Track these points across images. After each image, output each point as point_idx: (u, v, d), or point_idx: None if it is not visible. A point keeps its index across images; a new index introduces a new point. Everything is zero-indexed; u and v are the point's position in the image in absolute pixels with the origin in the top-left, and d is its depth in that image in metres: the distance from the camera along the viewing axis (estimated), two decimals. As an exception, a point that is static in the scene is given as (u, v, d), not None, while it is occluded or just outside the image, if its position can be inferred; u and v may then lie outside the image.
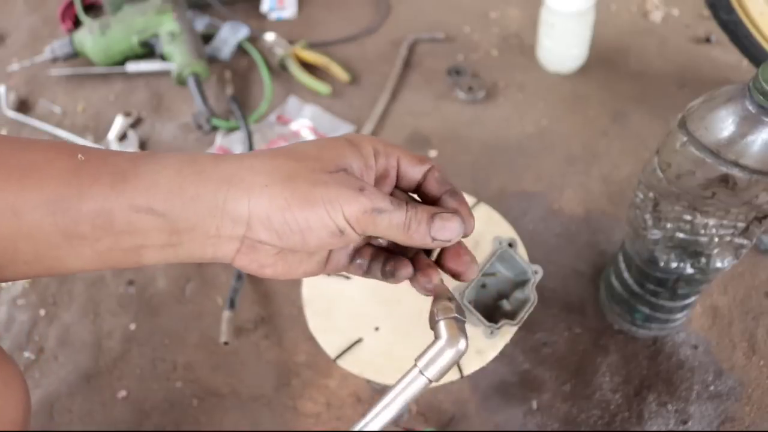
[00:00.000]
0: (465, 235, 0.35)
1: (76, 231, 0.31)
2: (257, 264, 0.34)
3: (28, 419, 0.38)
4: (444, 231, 0.34)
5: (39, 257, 0.32)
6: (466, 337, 0.34)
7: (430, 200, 0.37)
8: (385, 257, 0.38)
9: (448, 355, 0.33)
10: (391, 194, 0.37)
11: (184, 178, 0.32)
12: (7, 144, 0.32)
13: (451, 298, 0.36)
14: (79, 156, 0.32)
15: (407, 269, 0.37)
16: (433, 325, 0.35)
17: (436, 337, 0.34)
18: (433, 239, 0.34)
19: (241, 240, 0.33)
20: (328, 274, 0.40)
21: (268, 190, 0.31)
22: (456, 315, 0.35)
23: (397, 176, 0.37)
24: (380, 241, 0.40)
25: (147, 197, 0.31)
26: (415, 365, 0.34)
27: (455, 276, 0.37)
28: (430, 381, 0.34)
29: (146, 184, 0.31)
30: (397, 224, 0.33)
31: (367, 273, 0.39)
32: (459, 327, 0.34)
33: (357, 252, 0.39)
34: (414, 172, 0.36)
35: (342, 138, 0.35)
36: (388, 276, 0.38)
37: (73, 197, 0.31)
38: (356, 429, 0.35)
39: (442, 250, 0.37)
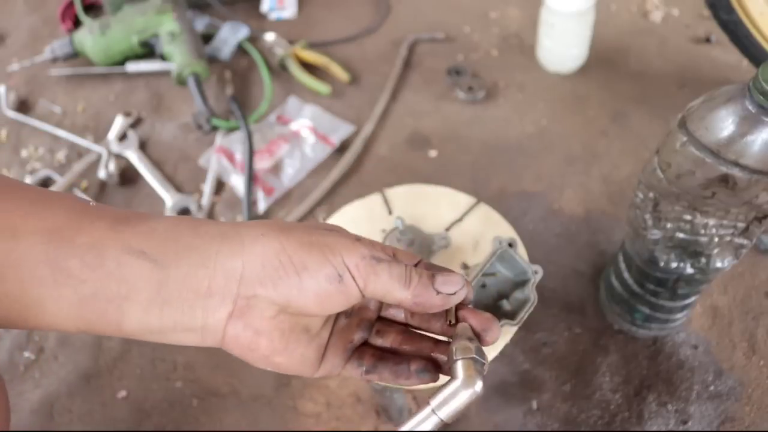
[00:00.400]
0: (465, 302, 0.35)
1: (65, 265, 0.30)
2: (252, 330, 0.32)
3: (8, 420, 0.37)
4: (447, 284, 0.34)
5: (21, 292, 0.30)
6: (483, 379, 0.33)
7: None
8: (393, 361, 0.36)
9: (463, 396, 0.33)
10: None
11: (180, 230, 0.32)
12: (25, 186, 0.33)
13: (471, 339, 0.35)
14: (91, 202, 0.33)
15: (420, 364, 0.36)
16: (451, 364, 0.34)
17: (453, 377, 0.33)
18: (438, 292, 0.33)
19: (233, 300, 0.31)
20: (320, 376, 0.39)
21: (263, 239, 0.32)
22: (475, 356, 0.34)
23: None
24: (393, 313, 0.38)
25: (141, 240, 0.31)
26: (428, 404, 0.33)
27: (477, 336, 0.36)
28: (442, 421, 0.33)
29: (144, 229, 0.31)
30: (398, 276, 0.32)
31: (370, 374, 0.37)
32: (476, 369, 0.33)
33: (358, 354, 0.37)
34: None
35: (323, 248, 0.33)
36: (401, 376, 0.37)
37: (72, 230, 0.31)
38: None
39: (459, 312, 0.36)
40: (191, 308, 0.31)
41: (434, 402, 0.33)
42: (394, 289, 0.33)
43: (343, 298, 0.32)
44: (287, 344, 0.33)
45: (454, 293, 0.34)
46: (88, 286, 0.30)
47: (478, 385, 0.33)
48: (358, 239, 0.33)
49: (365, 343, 0.37)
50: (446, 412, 0.33)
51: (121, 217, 0.32)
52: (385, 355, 0.37)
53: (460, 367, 0.33)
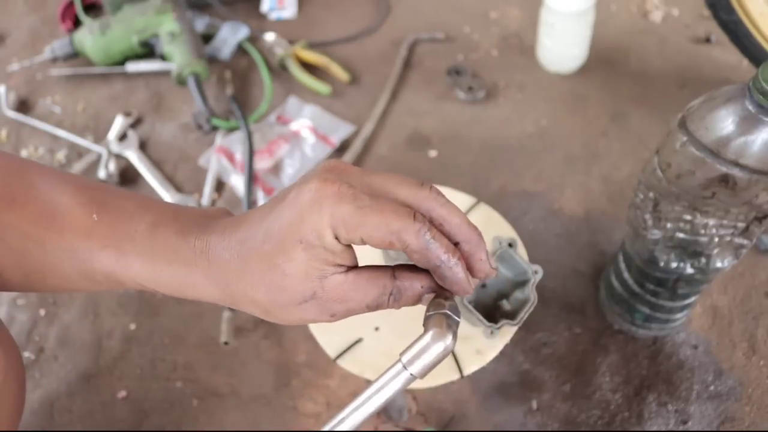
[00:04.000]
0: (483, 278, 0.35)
1: (93, 278, 0.38)
2: (246, 298, 0.37)
3: (23, 392, 0.40)
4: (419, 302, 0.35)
5: (63, 282, 0.38)
6: (455, 335, 0.32)
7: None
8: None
9: (434, 350, 0.32)
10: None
11: (183, 286, 0.36)
12: (27, 177, 0.38)
13: (447, 297, 0.34)
14: (94, 216, 0.37)
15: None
16: (425, 320, 0.33)
17: (425, 331, 0.32)
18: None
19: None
20: None
21: (255, 315, 0.36)
22: (447, 311, 0.33)
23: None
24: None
25: (149, 281, 0.37)
26: (399, 360, 0.32)
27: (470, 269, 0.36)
28: (414, 377, 0.32)
29: (147, 272, 0.36)
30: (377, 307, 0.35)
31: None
32: (448, 323, 0.32)
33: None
34: (388, 248, 0.32)
35: (296, 241, 0.32)
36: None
37: (86, 253, 0.37)
38: (333, 423, 0.34)
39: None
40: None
41: (405, 357, 0.32)
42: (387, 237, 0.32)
43: (337, 259, 0.33)
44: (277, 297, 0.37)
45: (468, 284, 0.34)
46: (119, 289, 0.41)
47: (449, 339, 0.32)
48: (332, 315, 0.34)
49: None
50: (417, 367, 0.32)
51: (122, 253, 0.37)
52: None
53: (431, 321, 0.32)
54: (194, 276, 0.36)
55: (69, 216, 0.37)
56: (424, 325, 0.33)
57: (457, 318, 0.33)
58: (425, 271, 0.34)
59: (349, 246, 0.33)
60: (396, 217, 0.31)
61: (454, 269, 0.32)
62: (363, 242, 0.31)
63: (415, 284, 0.34)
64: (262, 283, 0.33)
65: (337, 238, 0.31)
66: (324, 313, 0.34)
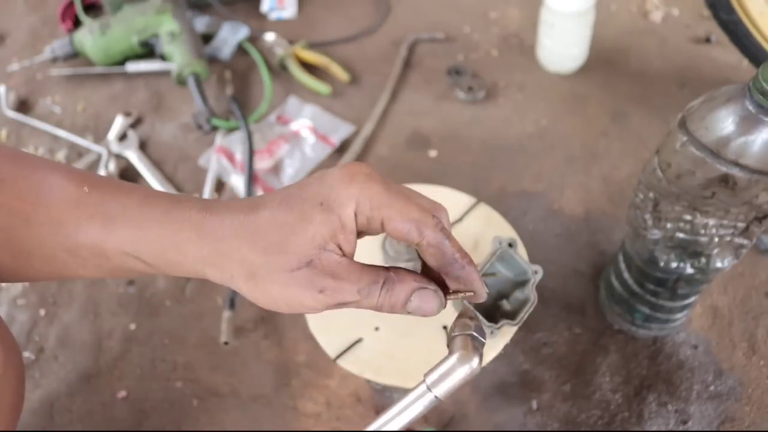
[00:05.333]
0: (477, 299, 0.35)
1: (78, 253, 0.36)
2: (265, 295, 0.36)
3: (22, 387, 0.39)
4: (421, 311, 0.33)
5: (48, 263, 0.36)
6: (481, 357, 0.32)
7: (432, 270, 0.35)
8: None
9: (459, 373, 0.31)
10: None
11: (166, 245, 0.35)
12: (18, 161, 0.36)
13: (472, 317, 0.34)
14: (85, 188, 0.36)
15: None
16: (449, 341, 0.33)
17: (450, 353, 0.32)
18: (409, 313, 0.34)
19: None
20: None
21: (234, 282, 0.34)
22: (473, 333, 0.33)
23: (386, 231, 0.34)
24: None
25: (134, 247, 0.35)
26: (423, 381, 0.32)
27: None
28: (438, 399, 0.32)
29: (133, 235, 0.35)
30: (368, 307, 0.33)
31: None
32: (474, 345, 0.32)
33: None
34: (407, 239, 0.33)
35: (317, 203, 0.33)
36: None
37: (73, 226, 0.35)
38: None
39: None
40: (196, 275, 0.36)
41: (429, 379, 0.32)
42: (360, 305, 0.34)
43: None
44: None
45: (425, 315, 0.34)
46: (103, 268, 0.37)
47: (475, 362, 0.32)
48: (321, 290, 0.33)
49: None
50: (442, 390, 0.32)
51: (110, 219, 0.35)
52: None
53: (457, 343, 0.32)
54: (183, 233, 0.34)
55: (58, 190, 0.35)
56: (448, 345, 0.33)
57: (483, 339, 0.33)
58: (418, 273, 0.35)
59: (357, 234, 0.33)
60: (419, 209, 0.32)
61: (467, 268, 0.33)
62: (381, 227, 0.33)
63: (408, 279, 0.34)
64: (263, 239, 0.33)
65: (355, 216, 0.32)
66: (313, 287, 0.32)
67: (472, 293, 0.34)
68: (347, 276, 0.33)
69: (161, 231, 0.35)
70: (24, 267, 0.37)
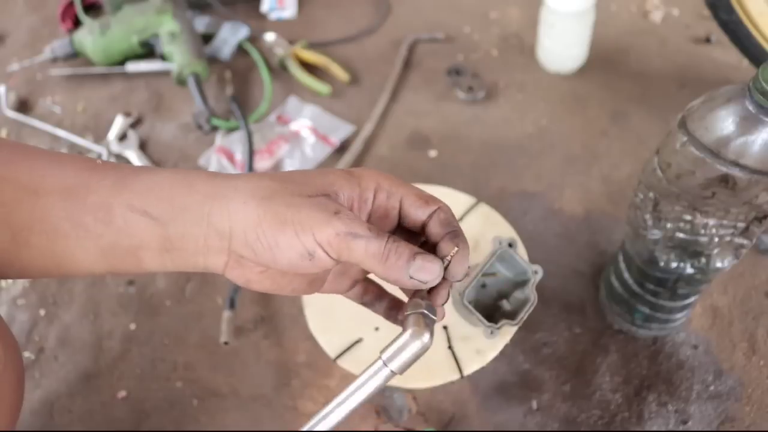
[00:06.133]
0: (456, 279, 0.36)
1: (82, 221, 0.34)
2: (244, 279, 0.36)
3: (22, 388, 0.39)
4: (423, 272, 0.33)
5: (51, 245, 0.35)
6: (432, 333, 0.34)
7: (432, 241, 0.36)
8: (389, 300, 0.42)
9: (413, 347, 0.34)
10: (394, 233, 0.36)
11: (175, 190, 0.34)
12: (29, 148, 0.36)
13: (423, 297, 0.37)
14: (98, 160, 0.36)
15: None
16: (403, 319, 0.35)
17: (403, 330, 0.34)
18: (411, 277, 0.33)
19: (228, 253, 0.34)
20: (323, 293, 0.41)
21: (244, 207, 0.33)
22: (424, 311, 0.35)
23: (401, 215, 0.37)
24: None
25: (142, 200, 0.34)
26: (380, 357, 0.34)
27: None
28: (394, 373, 0.34)
29: (142, 188, 0.34)
30: (374, 253, 0.32)
31: (367, 306, 0.42)
32: (426, 322, 0.34)
33: (362, 287, 0.42)
34: (418, 214, 0.36)
35: (344, 170, 0.36)
36: (392, 319, 0.41)
37: (83, 188, 0.34)
38: (316, 419, 0.35)
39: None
40: (194, 256, 0.35)
41: (385, 354, 0.34)
42: (368, 265, 0.33)
43: (316, 267, 0.34)
44: (278, 285, 0.37)
45: (425, 283, 0.34)
46: (105, 240, 0.34)
47: (426, 337, 0.34)
48: (336, 212, 0.32)
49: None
50: (396, 364, 0.34)
51: (123, 176, 0.35)
52: (384, 294, 0.42)
53: (410, 320, 0.35)
54: (195, 176, 0.35)
55: (71, 161, 0.35)
56: (402, 323, 0.35)
57: (433, 317, 0.36)
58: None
59: (370, 214, 0.36)
60: (427, 194, 0.37)
61: (460, 230, 0.36)
62: (399, 203, 0.36)
63: (410, 244, 0.34)
64: (281, 175, 0.34)
65: (375, 193, 0.36)
66: (328, 209, 0.32)
67: (457, 250, 0.35)
68: (359, 217, 0.34)
69: (173, 176, 0.35)
70: (22, 247, 0.35)
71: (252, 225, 0.33)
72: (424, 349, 0.34)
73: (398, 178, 0.36)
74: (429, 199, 0.36)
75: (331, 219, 0.32)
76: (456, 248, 0.34)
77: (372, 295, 0.42)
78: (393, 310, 0.41)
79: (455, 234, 0.35)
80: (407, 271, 0.33)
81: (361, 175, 0.35)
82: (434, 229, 0.36)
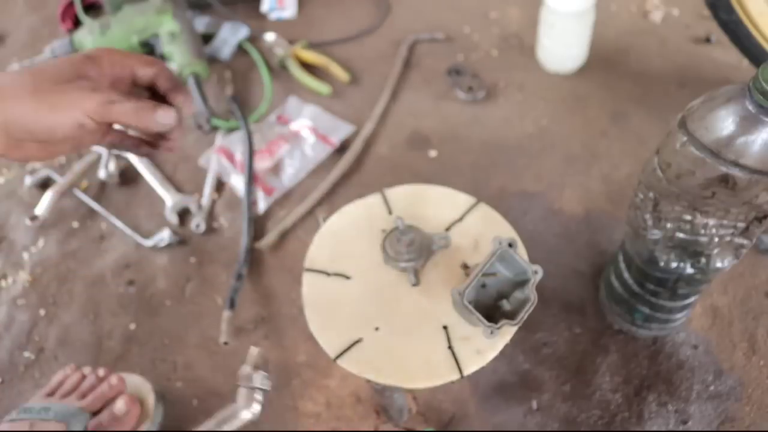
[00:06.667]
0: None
1: None
2: (23, 155, 0.44)
3: None
4: (166, 117, 0.46)
5: None
6: (261, 405, 0.39)
7: (162, 93, 0.49)
8: (131, 139, 0.52)
9: (240, 418, 0.39)
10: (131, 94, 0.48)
11: None
12: None
13: (257, 367, 0.41)
14: None
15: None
16: (236, 388, 0.40)
17: (234, 400, 0.39)
18: (157, 122, 0.46)
19: (5, 141, 0.43)
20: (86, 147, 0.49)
21: (20, 103, 0.41)
22: (257, 386, 0.40)
23: (135, 78, 0.48)
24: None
25: None
26: (211, 420, 0.40)
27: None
28: None
29: None
30: (128, 111, 0.44)
31: (117, 147, 0.52)
32: (255, 397, 0.40)
33: (111, 136, 0.50)
34: (146, 73, 0.48)
35: (84, 55, 0.46)
36: (138, 151, 0.52)
37: None
38: None
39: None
40: None
41: (213, 420, 0.39)
42: (126, 119, 0.45)
43: (88, 134, 0.44)
44: (53, 153, 0.45)
45: (170, 125, 0.46)
46: None
47: (255, 409, 0.39)
48: (93, 89, 0.43)
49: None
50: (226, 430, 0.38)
51: None
52: (126, 136, 0.51)
53: (240, 394, 0.39)
54: None
55: None
56: (235, 393, 0.41)
57: (266, 389, 0.41)
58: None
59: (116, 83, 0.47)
60: (150, 58, 0.49)
61: (182, 86, 0.49)
62: (128, 73, 0.47)
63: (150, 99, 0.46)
64: (34, 72, 0.43)
65: (112, 69, 0.47)
66: (86, 89, 0.43)
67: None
68: (109, 87, 0.46)
69: None
70: None
71: (30, 113, 0.41)
72: (252, 419, 0.39)
73: (127, 51, 0.48)
74: (152, 62, 0.48)
75: (91, 94, 0.43)
76: (182, 96, 0.48)
77: (118, 138, 0.51)
78: (135, 146, 0.52)
79: (178, 86, 0.49)
80: (154, 119, 0.45)
81: (99, 56, 0.46)
82: (163, 84, 0.48)
